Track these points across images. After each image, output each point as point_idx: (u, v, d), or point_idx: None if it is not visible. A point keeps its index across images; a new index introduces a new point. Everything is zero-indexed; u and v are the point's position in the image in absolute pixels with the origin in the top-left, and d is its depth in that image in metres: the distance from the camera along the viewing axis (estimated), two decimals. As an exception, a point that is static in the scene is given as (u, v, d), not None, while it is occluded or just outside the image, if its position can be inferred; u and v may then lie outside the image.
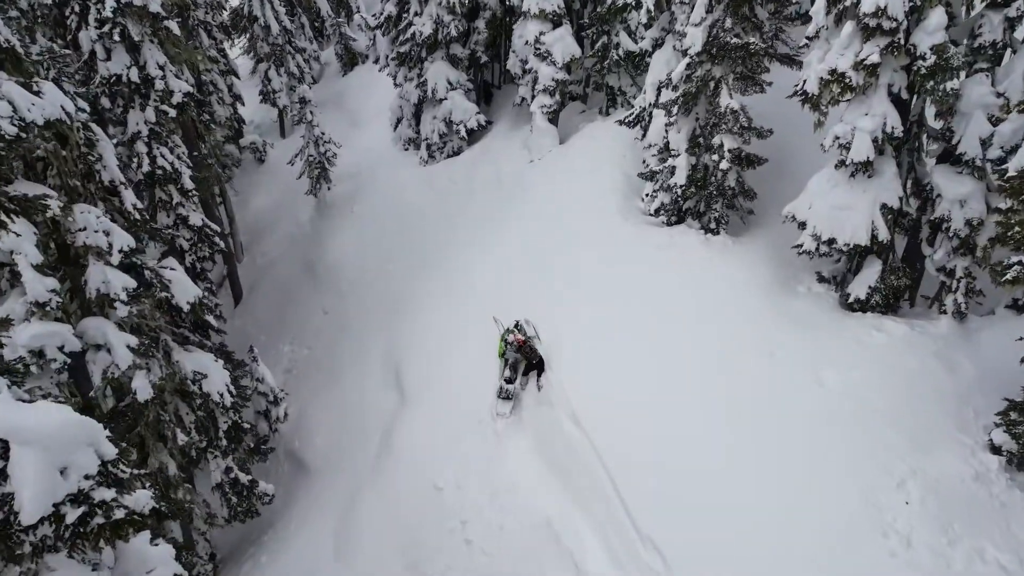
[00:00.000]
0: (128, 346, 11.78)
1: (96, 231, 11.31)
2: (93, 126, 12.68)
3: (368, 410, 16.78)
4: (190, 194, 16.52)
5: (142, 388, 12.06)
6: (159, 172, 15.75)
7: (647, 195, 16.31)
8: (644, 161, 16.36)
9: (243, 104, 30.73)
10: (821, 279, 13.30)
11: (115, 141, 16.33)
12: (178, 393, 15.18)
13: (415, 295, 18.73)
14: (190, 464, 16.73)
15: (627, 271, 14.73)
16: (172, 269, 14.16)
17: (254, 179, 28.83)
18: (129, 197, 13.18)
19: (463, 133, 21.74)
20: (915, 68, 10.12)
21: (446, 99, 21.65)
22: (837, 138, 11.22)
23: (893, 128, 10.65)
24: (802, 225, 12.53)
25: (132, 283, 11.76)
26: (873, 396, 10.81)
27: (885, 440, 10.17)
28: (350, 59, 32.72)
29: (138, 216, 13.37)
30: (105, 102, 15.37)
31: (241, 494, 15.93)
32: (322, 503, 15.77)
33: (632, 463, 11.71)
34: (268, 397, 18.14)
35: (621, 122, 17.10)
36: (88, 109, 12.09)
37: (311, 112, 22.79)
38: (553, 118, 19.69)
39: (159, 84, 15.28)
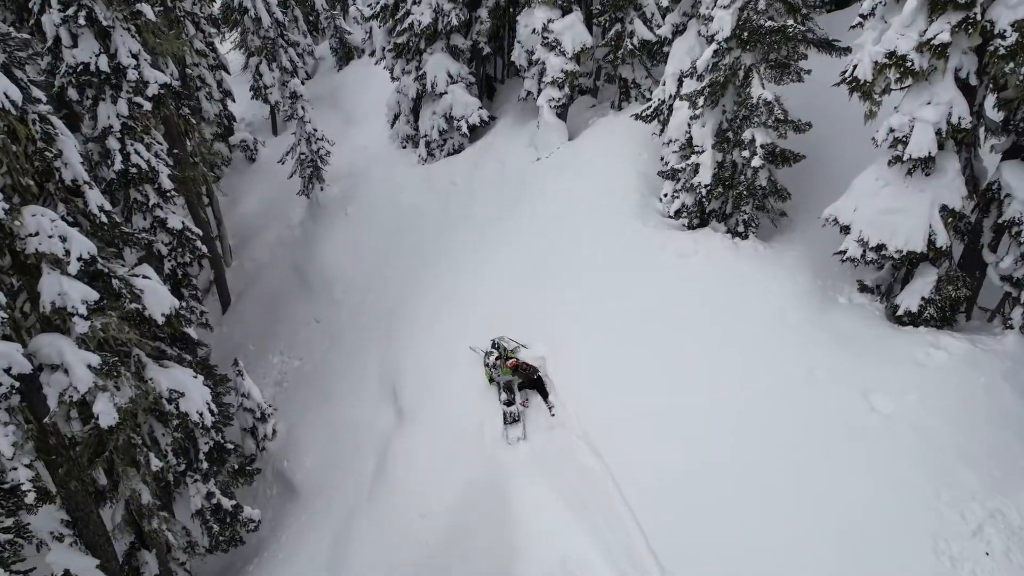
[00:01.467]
0: (89, 365, 10.42)
1: (50, 236, 9.96)
2: (53, 119, 11.32)
3: (362, 428, 15.45)
4: (168, 195, 15.16)
5: (105, 413, 10.70)
6: (133, 171, 14.39)
7: (666, 195, 14.98)
8: (663, 159, 15.03)
9: (234, 101, 29.41)
10: (863, 288, 11.98)
11: (84, 137, 15.00)
12: (153, 413, 13.86)
13: (413, 303, 17.40)
14: (167, 490, 15.45)
15: (645, 279, 13.40)
16: (145, 277, 12.82)
17: (244, 179, 27.48)
18: (95, 198, 11.82)
19: (464, 129, 20.40)
20: (990, 48, 8.78)
21: (446, 93, 20.33)
22: (892, 131, 9.90)
23: (960, 119, 9.33)
24: (845, 229, 11.21)
25: (93, 295, 10.40)
26: (934, 424, 9.48)
27: (954, 476, 8.85)
28: (345, 53, 31.38)
29: (105, 219, 12.01)
30: (73, 93, 13.99)
31: (224, 521, 14.61)
32: (313, 530, 14.44)
33: (653, 494, 10.38)
34: (255, 413, 16.82)
35: (637, 116, 15.76)
36: (44, 99, 10.69)
37: (303, 108, 21.45)
38: (562, 113, 18.37)
39: (132, 74, 13.94)
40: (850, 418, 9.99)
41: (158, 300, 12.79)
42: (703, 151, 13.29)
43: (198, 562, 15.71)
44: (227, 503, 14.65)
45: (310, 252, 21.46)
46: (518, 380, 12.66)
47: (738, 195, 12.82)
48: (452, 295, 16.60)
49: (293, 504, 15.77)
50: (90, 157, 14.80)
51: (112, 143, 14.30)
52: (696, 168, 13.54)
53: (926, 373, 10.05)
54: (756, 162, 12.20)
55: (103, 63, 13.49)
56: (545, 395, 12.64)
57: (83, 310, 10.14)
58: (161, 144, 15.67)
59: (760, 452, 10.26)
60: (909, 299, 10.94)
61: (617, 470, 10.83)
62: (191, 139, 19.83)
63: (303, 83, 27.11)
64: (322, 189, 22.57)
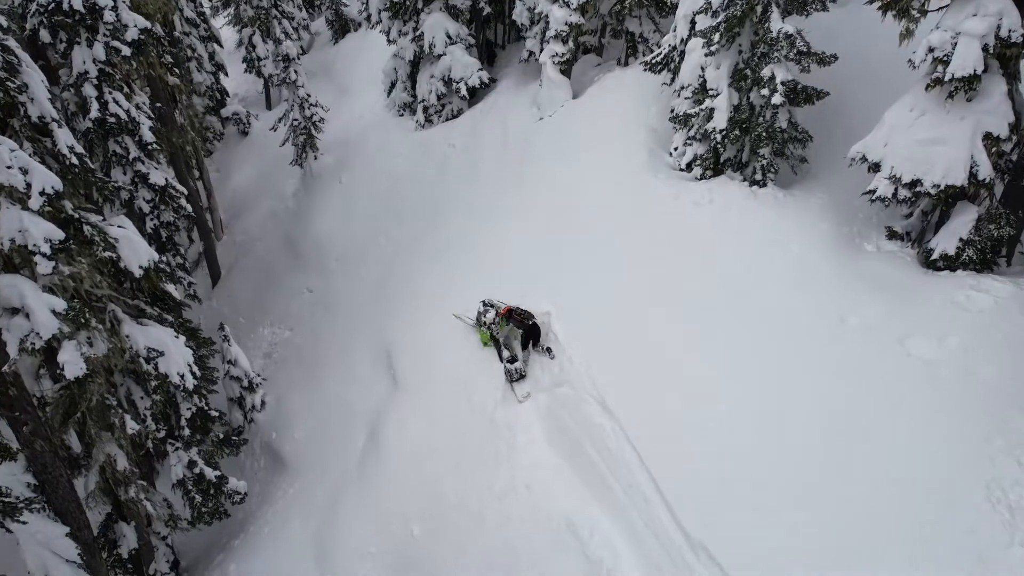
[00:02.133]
0: (53, 311, 9.54)
1: (9, 167, 9.08)
2: (18, 51, 10.48)
3: (355, 399, 14.58)
4: (151, 149, 14.26)
5: (71, 363, 9.84)
6: (111, 120, 13.51)
7: (676, 149, 14.10)
8: (673, 110, 14.13)
9: (227, 75, 28.66)
10: (892, 235, 11.11)
11: (61, 87, 14.12)
12: (130, 375, 13.01)
13: (410, 271, 16.55)
14: (148, 459, 14.58)
15: (658, 232, 12.54)
16: (121, 227, 11.96)
17: (237, 154, 26.60)
18: (64, 137, 10.98)
19: (464, 92, 19.52)
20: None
21: (445, 55, 19.44)
22: (932, 50, 9.03)
23: (1010, 32, 8.46)
24: (875, 167, 10.34)
25: (58, 234, 9.51)
26: (981, 367, 8.61)
27: (1006, 422, 7.98)
28: (341, 26, 30.52)
29: (76, 161, 11.17)
30: (46, 36, 13.11)
31: (207, 492, 13.72)
32: (301, 504, 13.57)
33: (672, 455, 9.54)
34: (242, 382, 15.94)
35: (646, 65, 14.89)
36: (6, 24, 9.82)
37: (296, 72, 20.57)
38: (566, 70, 17.49)
39: (108, 16, 13.05)
40: (888, 365, 9.12)
41: (135, 251, 11.92)
42: (718, 94, 12.43)
43: (182, 537, 14.86)
44: (211, 473, 13.77)
45: (303, 222, 20.59)
46: (519, 332, 11.79)
47: (757, 138, 11.94)
48: (451, 260, 15.76)
49: (281, 477, 14.89)
50: (66, 108, 13.94)
51: (88, 90, 13.42)
52: (710, 113, 12.67)
53: (969, 317, 9.17)
54: (776, 99, 11.33)
55: (77, 2, 12.62)
56: (537, 340, 11.84)
57: (46, 248, 9.26)
58: (142, 96, 14.79)
59: (790, 403, 9.41)
60: (945, 241, 10.07)
61: (630, 428, 9.97)
62: (179, 102, 18.96)
63: (298, 57, 26.30)
64: (316, 158, 21.69)
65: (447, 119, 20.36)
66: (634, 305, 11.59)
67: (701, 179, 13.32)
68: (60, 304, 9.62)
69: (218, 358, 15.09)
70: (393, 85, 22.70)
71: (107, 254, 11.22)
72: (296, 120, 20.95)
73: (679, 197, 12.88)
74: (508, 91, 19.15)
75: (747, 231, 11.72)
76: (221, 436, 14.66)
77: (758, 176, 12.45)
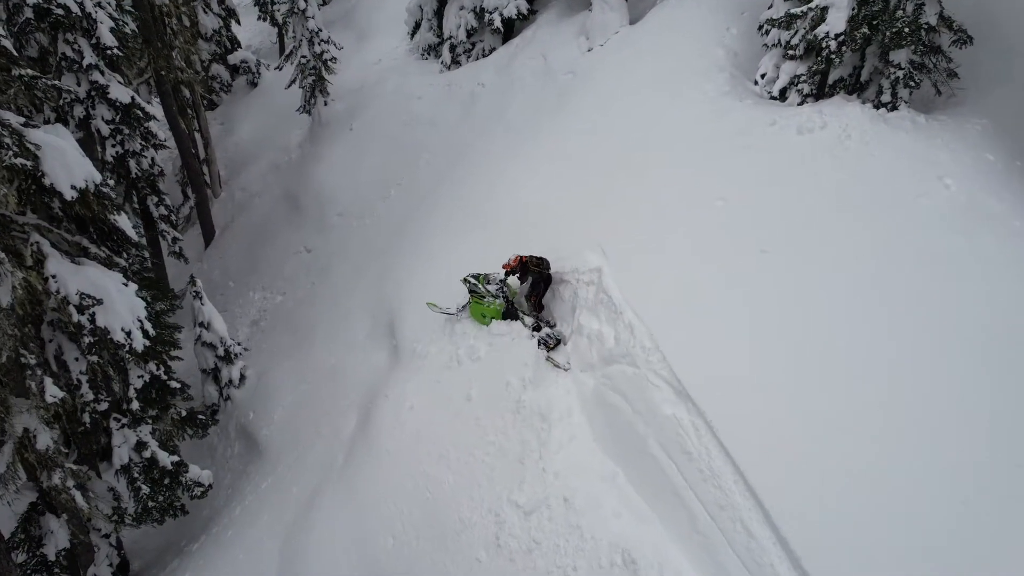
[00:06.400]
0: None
1: None
2: None
3: (346, 374, 11.80)
4: (111, 55, 11.57)
5: (-63, 296, 7.12)
6: (58, 11, 10.82)
7: (762, 76, 10.98)
8: (761, 26, 10.95)
9: (238, 23, 26.07)
10: (1092, 172, 7.89)
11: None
12: (63, 329, 10.31)
13: (422, 227, 13.62)
14: (89, 438, 11.85)
15: (747, 167, 9.42)
16: (52, 135, 9.28)
17: (244, 106, 23.99)
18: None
19: (497, 23, 16.57)
20: None
21: (477, -19, 16.55)
22: None
23: None
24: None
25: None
26: None
27: None
28: (365, -26, 27.75)
29: (-16, 38, 8.49)
30: None
31: (159, 482, 11.01)
32: (273, 504, 10.76)
33: (792, 468, 6.46)
34: (217, 351, 13.22)
35: (730, -32, 11.77)
36: None
37: (305, 0, 17.82)
38: (621, -9, 14.44)
39: None
40: None
41: (66, 166, 9.24)
42: (836, -14, 9.28)
43: (136, 534, 12.22)
44: (165, 458, 11.05)
45: (305, 174, 17.85)
46: (531, 292, 9.07)
47: (895, 36, 8.73)
48: (474, 212, 12.77)
49: (255, 467, 12.13)
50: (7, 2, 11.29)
51: (28, -29, 10.77)
52: (822, 13, 9.53)
53: None
54: (930, -23, 8.16)
55: None
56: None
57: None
58: (108, -3, 12.10)
59: (943, 409, 6.32)
60: None
61: (721, 424, 6.90)
62: (168, 26, 16.37)
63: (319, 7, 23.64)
64: (325, 104, 18.93)
65: (477, 59, 17.45)
66: (719, 258, 8.51)
67: (802, 105, 10.17)
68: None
69: (178, 306, 12.35)
70: (418, 25, 19.86)
71: (20, 161, 8.51)
72: (304, 58, 18.19)
73: (776, 123, 9.74)
74: (549, 23, 16.13)
75: (877, 163, 8.55)
76: (184, 413, 11.94)
77: (885, 97, 9.26)
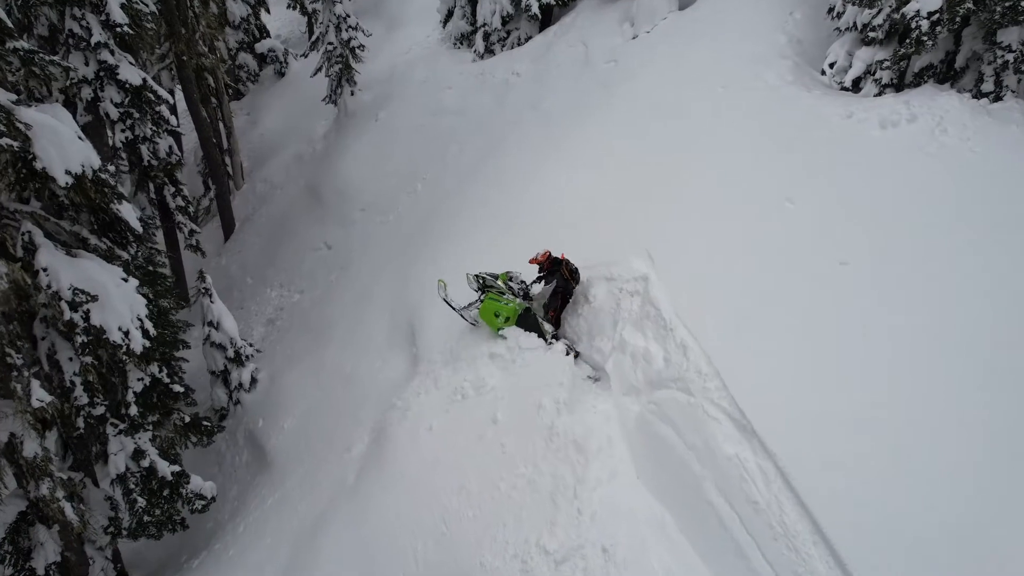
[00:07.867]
0: None
1: None
2: None
3: (363, 380, 10.86)
4: (121, 32, 10.79)
5: None
6: (64, -16, 10.09)
7: (831, 65, 9.71)
8: (831, 9, 9.70)
9: (268, 12, 25.47)
10: None
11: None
12: (57, 327, 9.52)
13: (450, 226, 12.60)
14: (84, 444, 11.06)
15: (819, 164, 8.22)
16: (47, 115, 8.49)
17: (270, 97, 23.29)
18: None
19: (535, 9, 15.50)
20: None
21: (514, -36, 15.51)
22: None
23: None
24: None
25: None
26: None
27: None
28: (399, -37, 26.92)
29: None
30: None
31: (157, 493, 10.18)
32: (279, 523, 9.85)
33: (865, 522, 5.29)
34: (226, 352, 12.39)
35: (799, -57, 10.53)
36: None
37: (332, -17, 16.97)
38: (671, -26, 13.25)
39: None
40: None
41: (61, 148, 8.44)
42: (931, -42, 8.01)
43: (136, 546, 11.46)
44: (165, 468, 10.19)
45: (329, 166, 17.00)
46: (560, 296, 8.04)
47: (1008, 11, 7.43)
48: (505, 210, 11.73)
49: (263, 479, 11.25)
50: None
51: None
52: (914, -10, 8.27)
53: None
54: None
55: None
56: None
57: None
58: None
59: None
60: None
61: (796, 470, 5.73)
62: (191, 7, 15.66)
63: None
64: (352, 93, 18.07)
65: (512, 47, 16.42)
66: (789, 268, 7.33)
67: (880, 96, 8.91)
68: None
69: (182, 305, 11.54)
70: (450, 13, 18.86)
71: (6, 141, 7.71)
72: (331, 44, 17.36)
73: (853, 116, 8.51)
74: (590, 9, 15.01)
75: (980, 160, 7.28)
76: (187, 419, 11.11)
77: (987, 86, 7.97)
